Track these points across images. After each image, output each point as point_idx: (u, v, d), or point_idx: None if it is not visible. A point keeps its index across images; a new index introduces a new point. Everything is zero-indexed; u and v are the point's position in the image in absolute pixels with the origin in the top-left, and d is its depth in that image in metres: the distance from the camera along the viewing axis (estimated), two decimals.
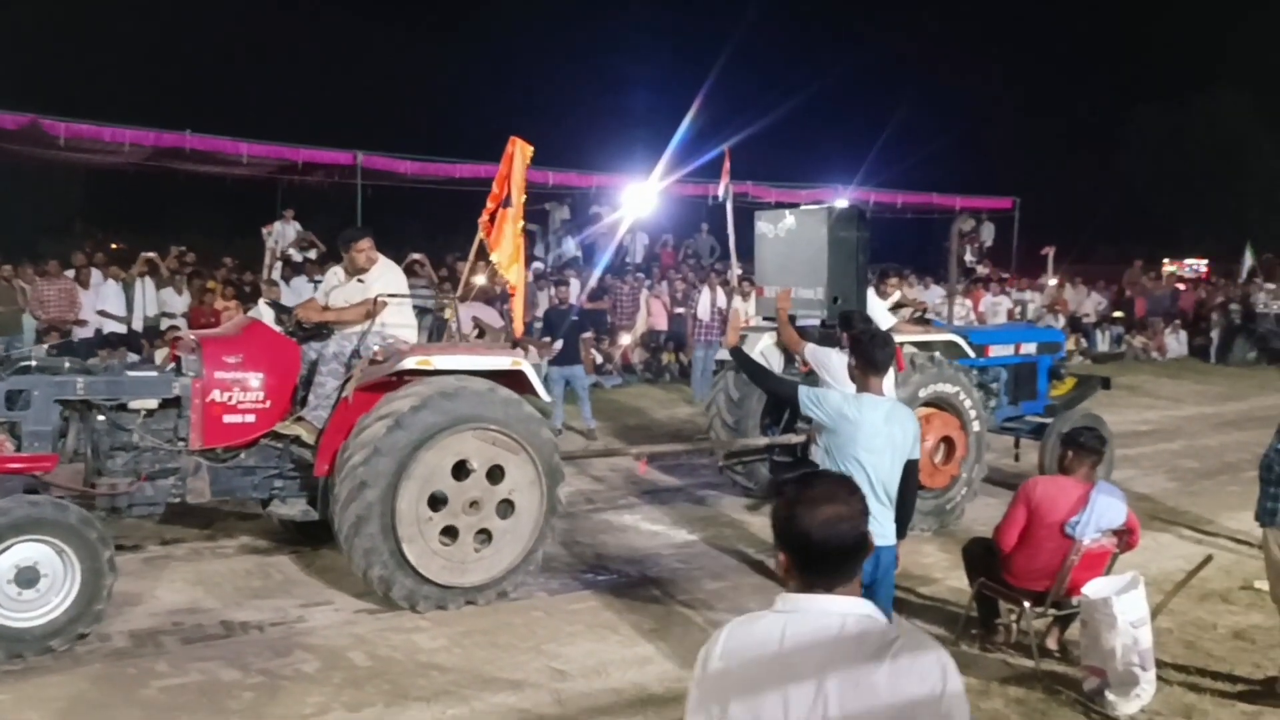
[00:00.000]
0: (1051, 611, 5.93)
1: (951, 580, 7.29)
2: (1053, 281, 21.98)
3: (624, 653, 6.09)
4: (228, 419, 6.71)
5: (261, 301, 12.97)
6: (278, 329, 7.42)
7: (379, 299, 7.14)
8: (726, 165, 14.41)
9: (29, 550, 5.71)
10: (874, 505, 4.71)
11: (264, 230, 16.92)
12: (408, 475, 6.44)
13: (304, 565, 7.44)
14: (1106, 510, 5.74)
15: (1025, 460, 10.53)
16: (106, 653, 5.85)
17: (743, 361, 5.96)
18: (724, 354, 9.79)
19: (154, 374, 6.88)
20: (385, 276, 7.42)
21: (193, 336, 7.19)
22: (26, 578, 5.69)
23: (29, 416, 6.22)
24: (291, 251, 17.15)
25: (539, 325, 13.68)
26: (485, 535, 6.78)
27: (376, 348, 6.96)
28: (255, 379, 6.79)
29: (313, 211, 18.21)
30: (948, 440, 8.55)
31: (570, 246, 20.15)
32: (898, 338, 8.76)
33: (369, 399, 6.66)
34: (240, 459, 6.89)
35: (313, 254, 16.80)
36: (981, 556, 6.22)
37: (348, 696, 5.43)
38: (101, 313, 14.43)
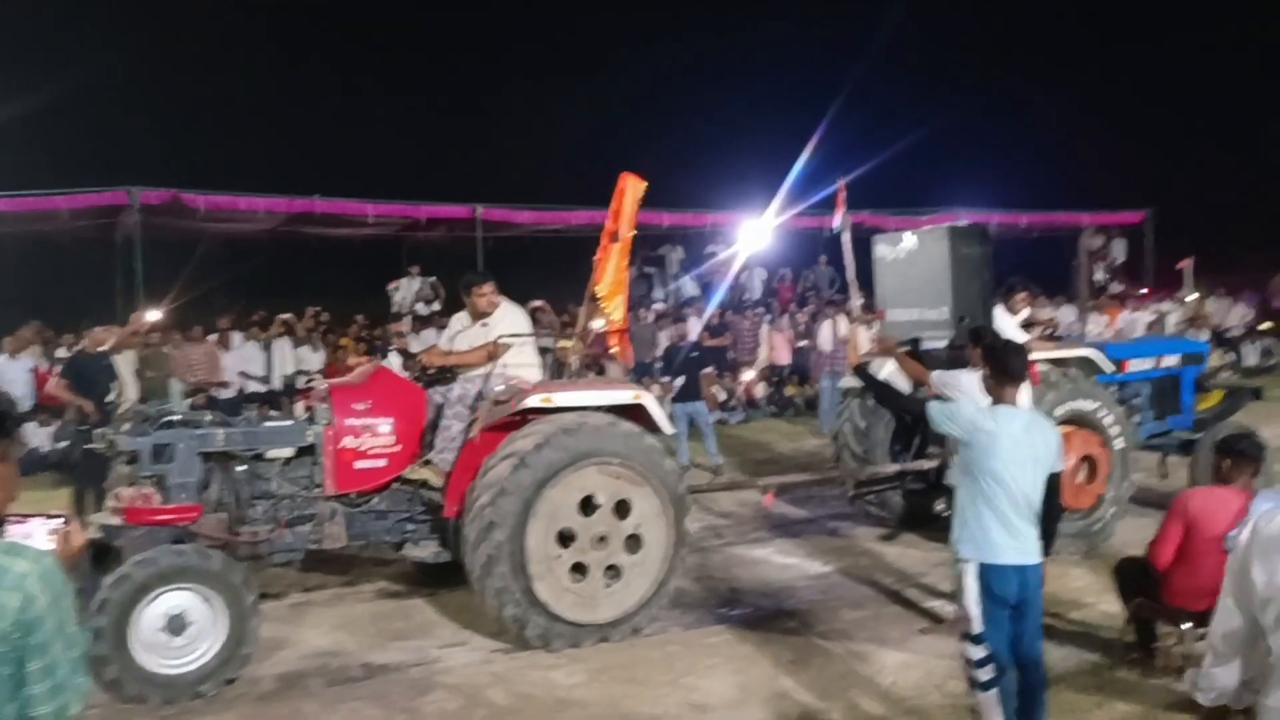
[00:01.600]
0: None
1: (1104, 604, 6.96)
2: (1193, 295, 21.02)
3: (764, 685, 5.97)
4: (359, 464, 6.88)
5: (391, 350, 13.36)
6: (404, 375, 7.58)
7: (500, 340, 7.25)
8: (842, 195, 14.23)
9: (177, 598, 5.92)
10: (1017, 521, 4.53)
11: (390, 286, 17.43)
12: (534, 514, 6.47)
13: (439, 607, 7.53)
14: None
15: (1174, 478, 10.02)
16: (256, 696, 6.00)
17: (868, 381, 5.83)
18: (849, 381, 9.58)
19: (289, 424, 7.12)
20: (508, 318, 7.52)
21: (324, 386, 7.40)
22: (176, 625, 5.90)
23: (174, 469, 6.48)
24: (418, 306, 17.62)
25: (659, 365, 13.71)
26: (614, 571, 6.76)
27: (499, 388, 7.04)
28: (384, 424, 6.95)
29: (437, 266, 18.66)
30: (1089, 459, 8.20)
31: (688, 286, 20.19)
32: (1031, 355, 8.50)
33: (495, 439, 6.73)
34: (373, 504, 7.04)
35: (437, 305, 17.21)
36: (1136, 577, 5.91)
37: None
38: (243, 374, 15.04)
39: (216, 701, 5.90)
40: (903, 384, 8.89)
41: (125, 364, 13.17)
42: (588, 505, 6.67)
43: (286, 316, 16.52)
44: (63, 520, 2.70)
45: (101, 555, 6.42)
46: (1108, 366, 9.07)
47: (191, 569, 5.95)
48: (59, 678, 2.33)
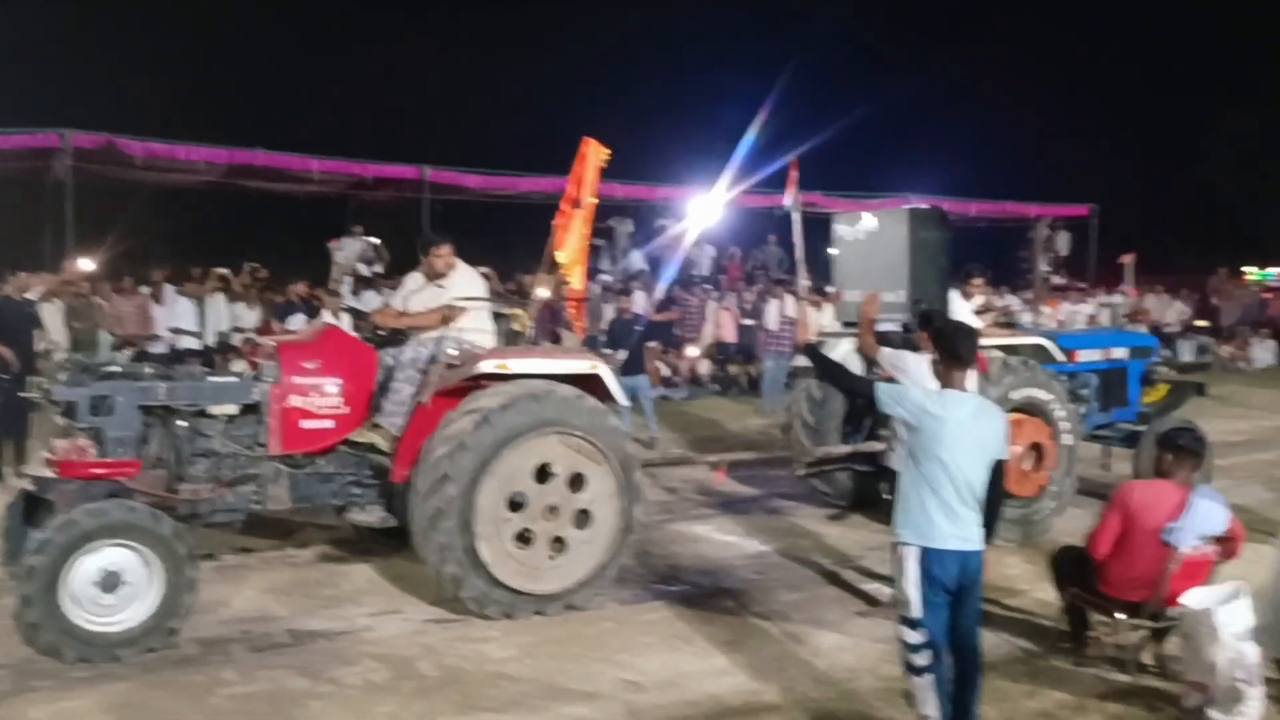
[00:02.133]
0: (1148, 623, 5.60)
1: (1037, 592, 6.98)
2: (1131, 292, 21.34)
3: (699, 664, 5.90)
4: (305, 424, 6.69)
5: (325, 311, 13.07)
6: (355, 335, 7.40)
7: (455, 303, 7.10)
8: (794, 174, 14.18)
9: (116, 555, 5.72)
10: (960, 508, 4.48)
11: (330, 244, 17.06)
12: (490, 473, 6.35)
13: (372, 575, 7.37)
14: (1207, 516, 5.42)
15: (1116, 470, 10.12)
16: (175, 659, 5.80)
17: (817, 360, 5.74)
18: (802, 360, 9.52)
19: (234, 380, 6.93)
20: (464, 282, 7.37)
21: (271, 343, 7.19)
22: (110, 583, 5.70)
23: (112, 422, 6.23)
24: (360, 266, 17.27)
25: (603, 338, 13.60)
26: (560, 544, 6.65)
27: (453, 352, 6.87)
28: (333, 385, 6.77)
29: (382, 228, 18.33)
30: (1037, 447, 8.23)
31: (636, 259, 20.04)
32: (983, 341, 8.50)
33: (446, 405, 6.58)
34: (319, 466, 6.87)
35: (379, 267, 16.88)
36: (1072, 566, 5.93)
37: (418, 706, 5.31)
38: (175, 329, 14.63)
39: (134, 664, 5.68)
40: (856, 367, 8.86)
41: (54, 313, 12.78)
42: (543, 474, 6.55)
43: (223, 271, 16.10)
44: None
45: (32, 509, 6.23)
46: (1059, 356, 9.11)
47: (140, 527, 5.75)
48: None
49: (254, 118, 17.61)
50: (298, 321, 13.83)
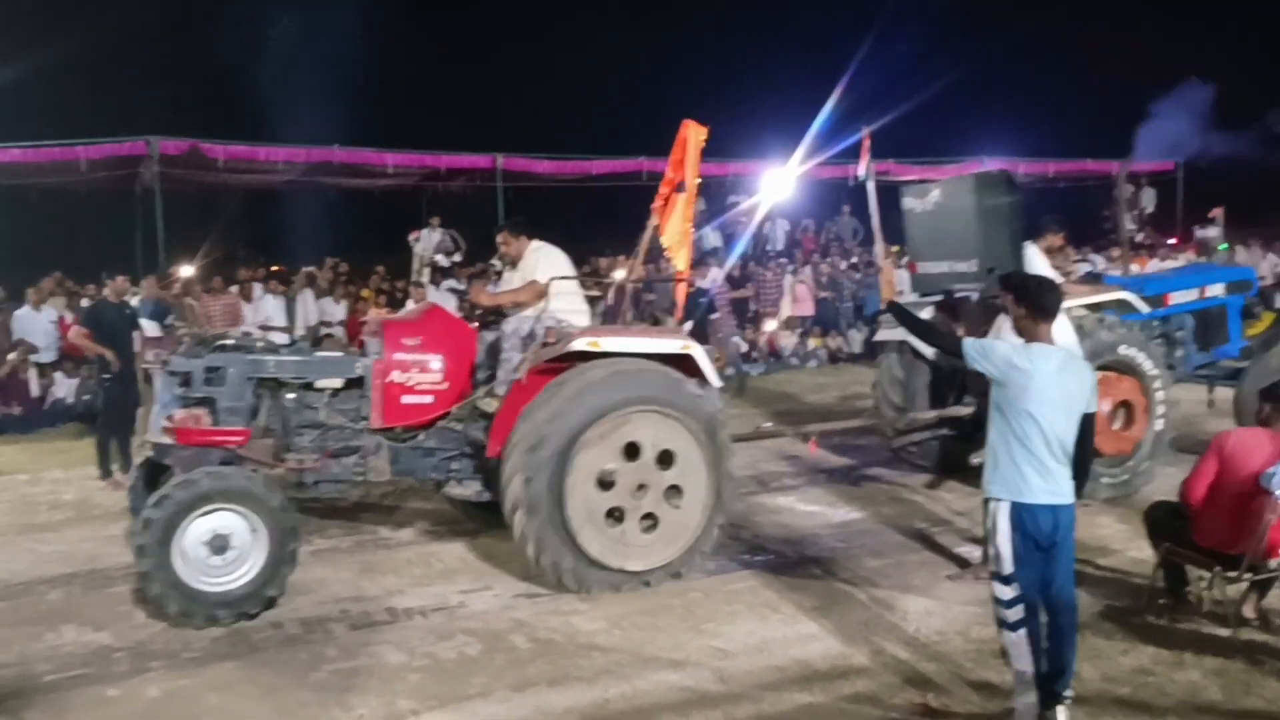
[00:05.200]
0: (1247, 576, 5.47)
1: (1132, 551, 6.89)
2: (1223, 245, 20.68)
3: (786, 631, 5.93)
4: (406, 399, 6.92)
5: (410, 304, 13.31)
6: (457, 315, 7.59)
7: (547, 281, 7.17)
8: (866, 144, 14.00)
9: (228, 519, 6.05)
10: (1050, 462, 4.44)
11: (410, 237, 17.34)
12: (580, 448, 6.42)
13: (463, 553, 7.53)
14: None
15: (1221, 409, 9.82)
16: (280, 639, 6.01)
17: (903, 317, 5.66)
18: (886, 332, 9.44)
19: (339, 355, 7.22)
20: (544, 260, 7.47)
21: (377, 320, 7.45)
22: (219, 545, 6.02)
23: (224, 393, 6.59)
24: (438, 257, 17.54)
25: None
26: (652, 520, 6.69)
27: (548, 328, 6.98)
28: (434, 361, 6.99)
29: (457, 217, 18.58)
30: (1126, 404, 8.07)
31: (709, 236, 20.01)
32: (1066, 302, 8.37)
33: (541, 381, 6.66)
34: (420, 440, 7.06)
35: (458, 257, 17.14)
36: (1167, 520, 5.83)
37: (511, 677, 5.43)
38: (264, 326, 15.03)
39: (240, 644, 5.91)
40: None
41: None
42: (633, 451, 6.60)
43: (310, 269, 16.49)
44: None
45: (153, 475, 6.61)
46: (1143, 308, 8.90)
47: (250, 494, 6.08)
48: None
49: (330, 116, 17.90)
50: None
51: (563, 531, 6.43)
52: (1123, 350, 8.20)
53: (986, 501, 4.61)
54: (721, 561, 7.21)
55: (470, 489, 7.18)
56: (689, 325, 12.67)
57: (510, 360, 7.03)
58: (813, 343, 17.67)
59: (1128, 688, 5.02)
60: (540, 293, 7.19)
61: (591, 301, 7.89)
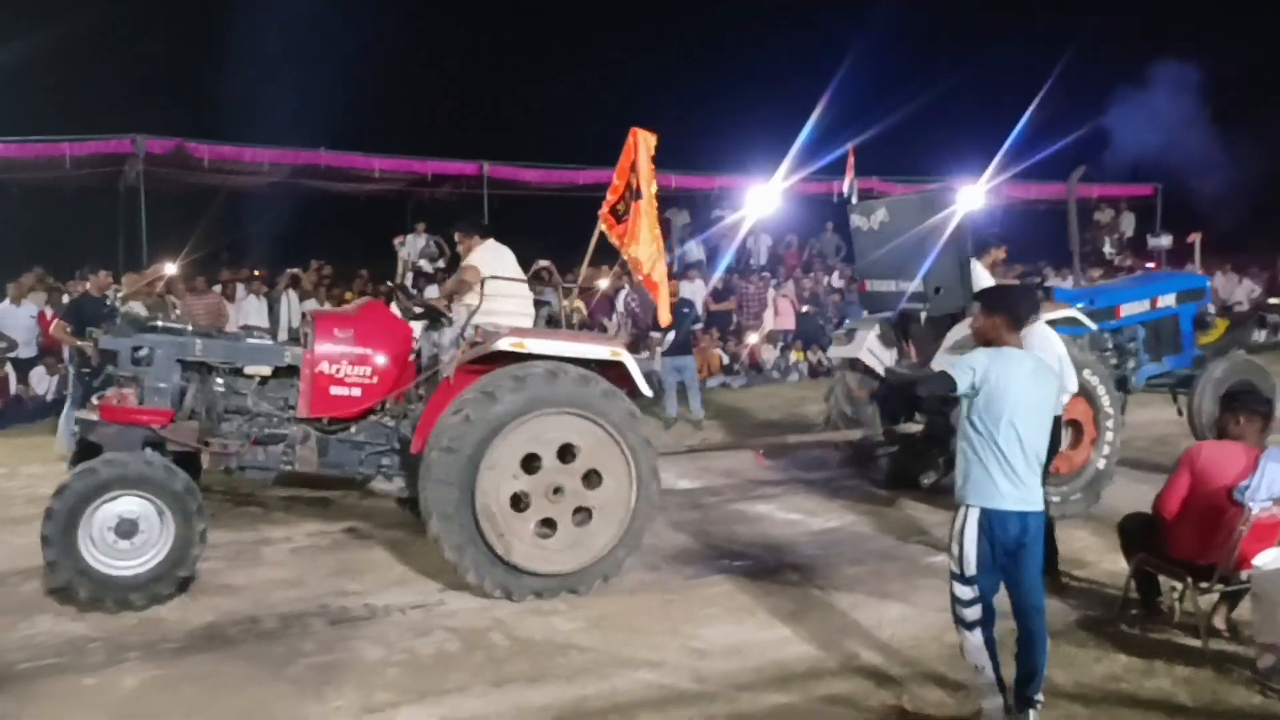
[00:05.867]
0: (1219, 587, 5.54)
1: (1105, 563, 6.96)
2: (1199, 271, 20.90)
3: (763, 634, 5.98)
4: (334, 390, 6.91)
5: (393, 307, 13.33)
6: (395, 312, 7.61)
7: (476, 274, 7.27)
8: (850, 161, 14.14)
9: (134, 504, 6.13)
10: (1023, 470, 4.50)
11: (395, 241, 17.36)
12: (495, 448, 6.36)
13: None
14: (1278, 476, 5.36)
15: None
16: (257, 634, 6.01)
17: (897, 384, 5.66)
18: (839, 349, 9.53)
19: (269, 343, 7.26)
20: (485, 256, 7.59)
21: (311, 314, 7.45)
22: (126, 530, 6.10)
23: (151, 373, 6.63)
24: (422, 262, 17.53)
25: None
26: (568, 524, 6.63)
27: (477, 326, 7.00)
28: (364, 355, 6.98)
29: (443, 224, 18.59)
30: (1074, 424, 8.11)
31: (693, 250, 20.11)
32: None
33: (469, 381, 6.60)
34: (350, 433, 7.06)
35: (441, 263, 17.13)
36: (1140, 531, 5.90)
37: (489, 674, 5.45)
38: (246, 326, 14.97)
39: (217, 638, 5.91)
40: (886, 355, 8.82)
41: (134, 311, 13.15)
42: (555, 455, 6.55)
43: (294, 271, 16.46)
44: None
45: (85, 453, 6.57)
46: (1089, 324, 8.85)
47: (155, 481, 6.15)
48: None
49: (317, 120, 17.91)
50: None
51: (477, 536, 6.38)
52: (1085, 374, 8.18)
53: (959, 507, 4.66)
54: (699, 566, 7.26)
55: (395, 484, 7.21)
56: (672, 336, 12.84)
57: (442, 359, 7.06)
58: (794, 356, 17.76)
59: (1099, 694, 5.08)
60: (473, 282, 7.25)
61: (539, 306, 7.93)
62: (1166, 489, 5.62)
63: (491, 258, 7.65)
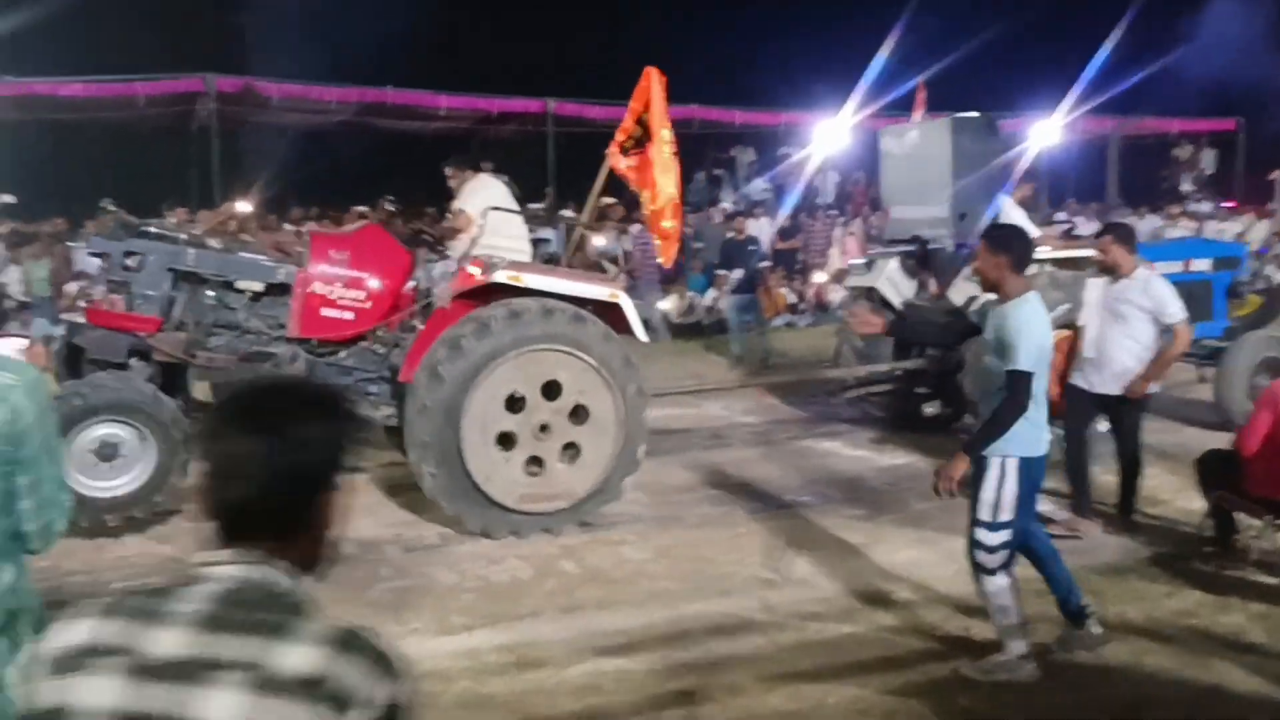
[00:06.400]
0: None
1: (1180, 501, 6.87)
2: None
3: (832, 565, 6.02)
4: (325, 312, 6.83)
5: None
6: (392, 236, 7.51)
7: (468, 220, 7.19)
8: (920, 97, 13.89)
9: (117, 428, 6.16)
10: (1044, 412, 4.54)
11: None
12: (483, 380, 6.30)
13: None
14: None
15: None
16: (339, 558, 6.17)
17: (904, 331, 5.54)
18: (856, 279, 9.41)
19: (263, 258, 7.06)
20: (480, 192, 7.45)
21: (308, 233, 7.40)
22: (107, 453, 6.15)
23: (141, 279, 6.56)
24: None
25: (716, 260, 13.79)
26: (562, 460, 6.62)
27: (475, 257, 6.88)
28: (358, 278, 6.87)
29: (508, 162, 18.61)
30: None
31: (758, 187, 19.95)
32: (1038, 254, 8.27)
33: (463, 312, 6.52)
34: (339, 357, 6.97)
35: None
36: (1218, 468, 5.82)
37: (560, 600, 5.57)
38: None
39: None
40: (905, 286, 8.61)
41: None
42: (544, 390, 6.50)
43: (362, 208, 16.62)
44: (26, 340, 2.67)
45: (72, 358, 6.61)
46: None
47: (141, 409, 6.15)
48: (45, 493, 2.28)
49: (384, 57, 17.96)
50: None
51: (460, 470, 6.32)
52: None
53: (987, 458, 4.50)
54: (766, 501, 7.31)
55: (382, 413, 7.02)
56: (739, 274, 12.81)
57: (436, 289, 6.99)
58: None
59: (1171, 628, 5.05)
60: (467, 222, 7.17)
61: (537, 245, 7.87)
62: (1247, 427, 5.53)
63: (484, 192, 7.47)
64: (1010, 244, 4.56)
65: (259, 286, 6.89)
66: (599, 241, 15.79)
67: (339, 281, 6.83)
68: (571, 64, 20.77)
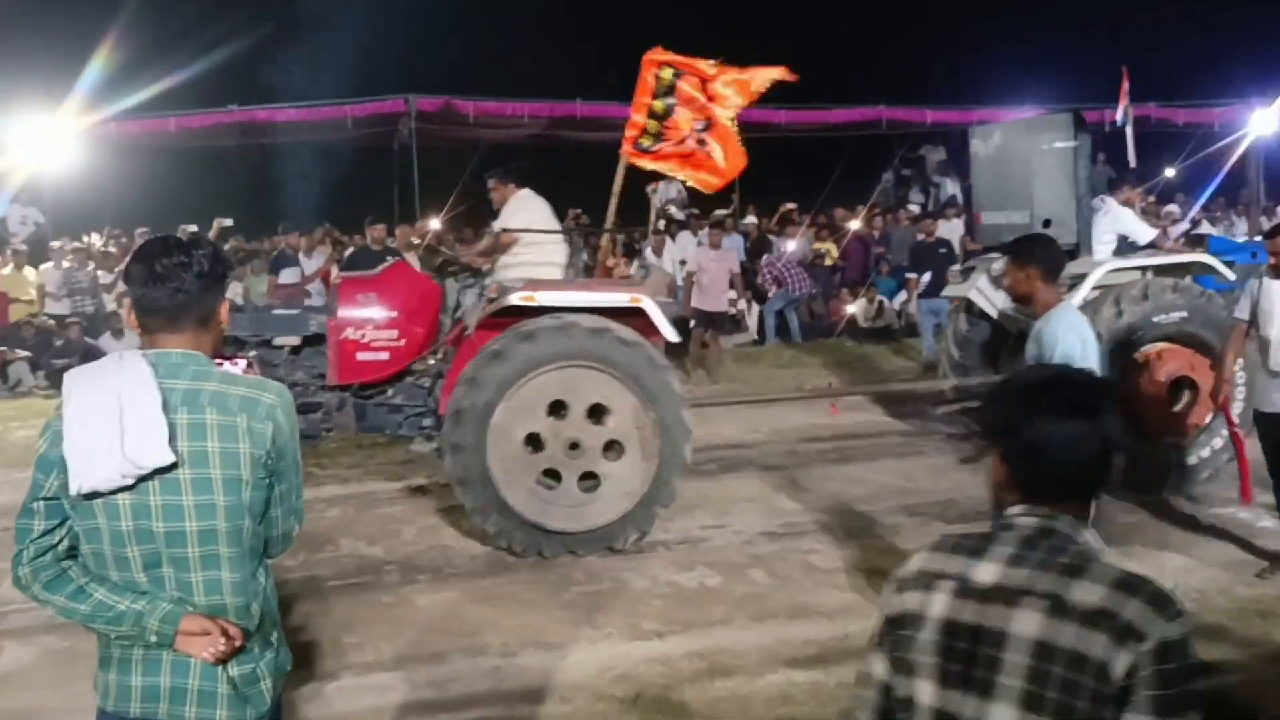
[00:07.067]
0: None
1: None
2: None
3: None
4: (361, 356, 6.84)
5: (647, 251, 13.63)
6: (421, 269, 7.58)
7: (503, 232, 7.11)
8: (1124, 86, 13.24)
9: None
10: None
11: (649, 188, 17.66)
12: (503, 408, 6.23)
13: (705, 491, 7.70)
14: None
15: None
16: (531, 562, 6.38)
17: None
18: (954, 288, 8.95)
19: (294, 312, 7.19)
20: (517, 211, 7.35)
21: (338, 278, 7.50)
22: None
23: None
24: (672, 209, 17.80)
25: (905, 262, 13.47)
26: (593, 479, 6.48)
27: (494, 283, 6.84)
28: (387, 317, 6.87)
29: None
30: (1188, 382, 7.29)
31: (949, 187, 19.39)
32: (1132, 261, 7.75)
33: (488, 339, 6.45)
34: (387, 396, 6.99)
35: (695, 210, 17.34)
36: None
37: (751, 608, 5.59)
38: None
39: (497, 564, 6.34)
40: (999, 298, 8.06)
41: (410, 261, 14.11)
42: (560, 409, 6.38)
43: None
44: (246, 362, 2.88)
45: None
46: (1227, 274, 7.93)
47: None
48: (292, 501, 2.48)
49: (574, 71, 18.39)
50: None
51: (495, 496, 6.26)
52: (1180, 317, 7.29)
53: None
54: (965, 509, 7.10)
55: (429, 446, 7.02)
56: (928, 276, 12.47)
57: (466, 318, 6.98)
58: None
59: None
60: (496, 247, 7.09)
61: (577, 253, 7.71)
62: None
63: (526, 207, 7.40)
64: (1036, 254, 4.34)
65: (295, 340, 7.01)
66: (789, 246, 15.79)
67: (370, 324, 6.86)
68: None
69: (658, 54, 7.46)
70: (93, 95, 14.94)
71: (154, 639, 2.27)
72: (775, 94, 18.24)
